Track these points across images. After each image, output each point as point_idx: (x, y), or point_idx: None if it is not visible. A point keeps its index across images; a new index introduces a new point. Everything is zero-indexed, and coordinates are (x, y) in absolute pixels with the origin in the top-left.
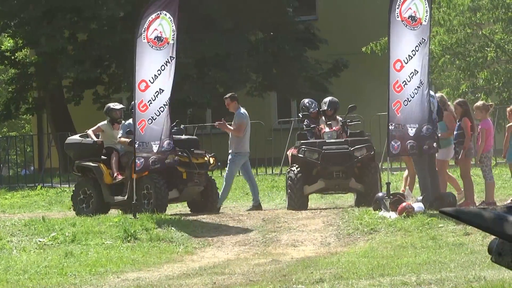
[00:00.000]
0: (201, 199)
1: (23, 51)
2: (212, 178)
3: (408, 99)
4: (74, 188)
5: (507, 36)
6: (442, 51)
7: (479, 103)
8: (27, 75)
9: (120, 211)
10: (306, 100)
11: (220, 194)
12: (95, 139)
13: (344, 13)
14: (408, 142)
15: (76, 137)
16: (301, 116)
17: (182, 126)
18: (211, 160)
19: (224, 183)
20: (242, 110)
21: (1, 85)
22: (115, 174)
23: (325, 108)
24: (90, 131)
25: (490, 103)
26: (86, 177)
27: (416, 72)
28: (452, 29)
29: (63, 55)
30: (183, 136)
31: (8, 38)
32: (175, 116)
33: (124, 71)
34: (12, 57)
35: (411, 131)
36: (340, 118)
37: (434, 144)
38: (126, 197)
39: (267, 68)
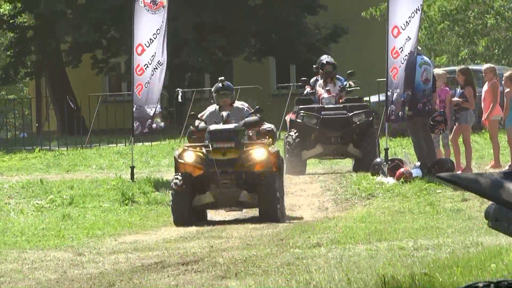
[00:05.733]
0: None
1: (22, 15)
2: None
3: (399, 65)
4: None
5: (507, 3)
6: (442, 17)
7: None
8: (25, 39)
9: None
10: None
11: None
12: None
13: None
14: (390, 107)
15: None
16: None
17: (181, 92)
18: None
19: None
20: None
21: (0, 49)
22: None
23: (325, 62)
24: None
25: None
26: None
27: (409, 38)
28: None
29: (61, 19)
30: (231, 125)
31: (6, 3)
32: (173, 81)
33: (122, 35)
34: (11, 21)
35: (394, 96)
36: (341, 78)
37: (408, 111)
38: None
39: (265, 33)
